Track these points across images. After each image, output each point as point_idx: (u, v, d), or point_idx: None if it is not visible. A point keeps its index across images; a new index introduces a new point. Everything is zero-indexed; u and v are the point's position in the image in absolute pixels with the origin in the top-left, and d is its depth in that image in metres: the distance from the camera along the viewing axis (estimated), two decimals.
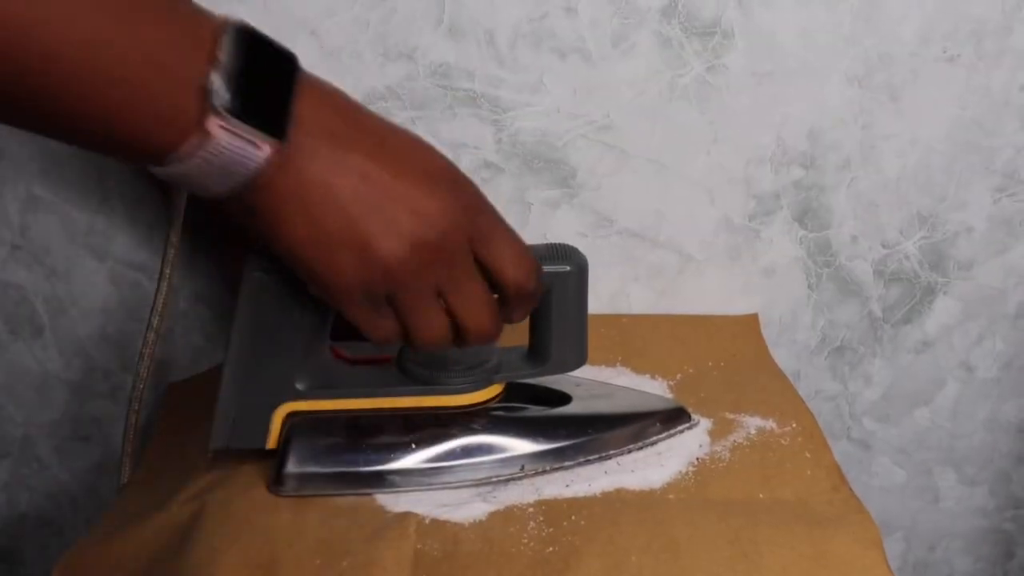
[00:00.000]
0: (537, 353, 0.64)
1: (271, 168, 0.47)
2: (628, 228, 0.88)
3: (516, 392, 0.65)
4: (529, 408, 0.65)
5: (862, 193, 0.87)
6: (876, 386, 0.96)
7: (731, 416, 0.72)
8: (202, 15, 0.46)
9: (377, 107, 0.83)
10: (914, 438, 0.99)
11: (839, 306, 0.92)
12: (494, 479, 0.62)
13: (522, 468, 0.63)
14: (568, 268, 0.60)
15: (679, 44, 0.82)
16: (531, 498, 0.61)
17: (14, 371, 0.95)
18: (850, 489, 0.63)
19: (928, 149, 0.86)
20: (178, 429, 0.76)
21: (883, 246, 0.90)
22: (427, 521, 0.59)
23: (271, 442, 0.61)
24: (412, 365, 0.63)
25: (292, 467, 0.60)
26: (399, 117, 0.84)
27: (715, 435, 0.69)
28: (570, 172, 0.86)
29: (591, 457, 0.65)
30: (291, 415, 0.61)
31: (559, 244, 0.62)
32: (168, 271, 0.70)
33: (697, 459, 0.66)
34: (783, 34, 0.82)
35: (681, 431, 0.69)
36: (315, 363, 0.61)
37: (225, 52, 0.45)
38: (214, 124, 0.44)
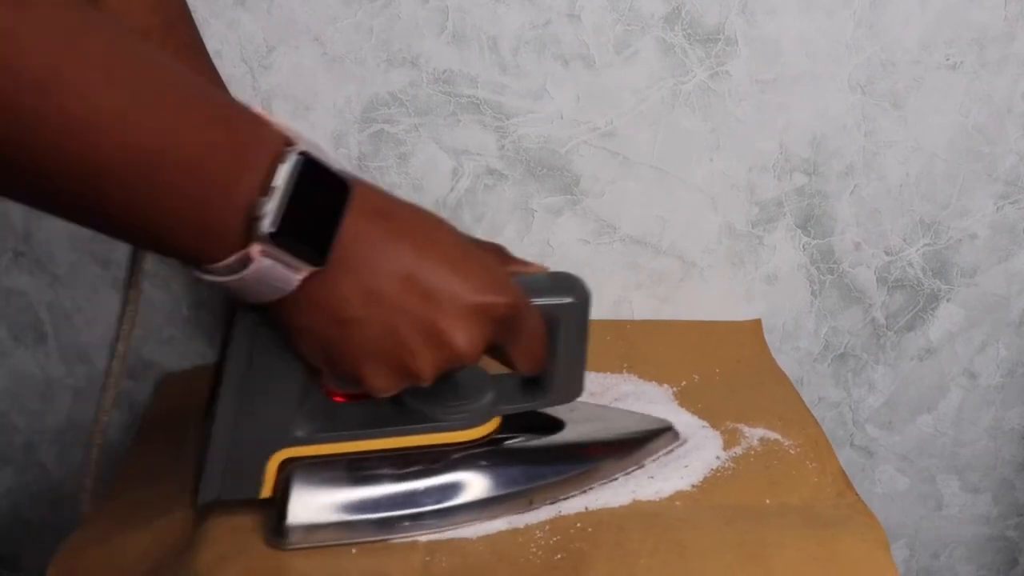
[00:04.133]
0: (537, 384, 0.62)
1: (303, 287, 0.47)
2: (631, 235, 0.88)
3: (511, 422, 0.63)
4: (528, 438, 0.63)
5: (865, 200, 0.87)
6: (879, 393, 0.96)
7: (737, 423, 0.72)
8: (264, 130, 0.45)
9: (381, 113, 0.83)
10: (917, 445, 0.99)
11: (842, 313, 0.92)
12: (504, 513, 0.61)
13: (531, 502, 0.61)
14: (571, 300, 0.59)
15: (682, 51, 0.82)
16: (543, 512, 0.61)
17: (17, 378, 0.95)
18: (856, 494, 0.63)
19: (931, 156, 0.86)
20: (174, 422, 0.76)
21: (886, 253, 0.90)
22: (436, 535, 0.59)
23: (266, 491, 0.57)
24: (410, 400, 0.60)
25: (295, 519, 0.56)
26: (403, 124, 0.84)
27: (722, 443, 0.69)
28: (573, 179, 0.86)
29: (594, 484, 0.64)
30: (287, 462, 0.57)
31: (563, 274, 0.61)
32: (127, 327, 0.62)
33: (706, 465, 0.66)
34: (786, 41, 0.82)
35: (672, 450, 0.68)
36: (311, 406, 0.57)
37: (280, 180, 0.44)
38: (257, 249, 0.44)
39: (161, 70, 0.42)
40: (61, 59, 0.37)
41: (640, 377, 0.79)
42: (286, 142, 0.45)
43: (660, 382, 0.78)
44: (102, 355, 0.93)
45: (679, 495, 0.63)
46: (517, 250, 0.88)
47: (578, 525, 0.59)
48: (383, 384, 0.52)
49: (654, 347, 0.84)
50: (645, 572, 0.55)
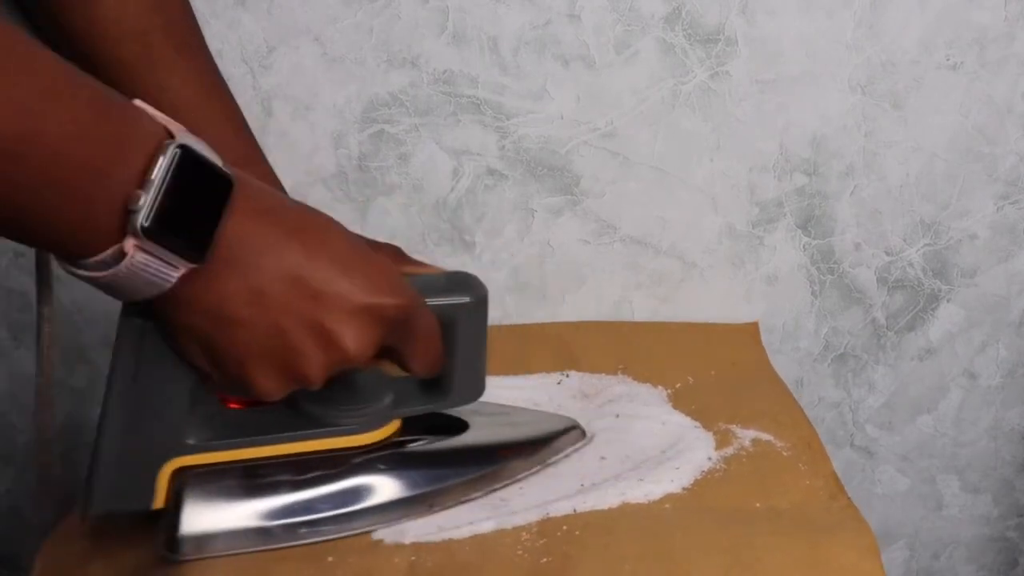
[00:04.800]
0: (436, 386, 0.60)
1: (184, 285, 0.45)
2: (631, 235, 0.89)
3: (412, 423, 0.62)
4: (430, 440, 0.62)
5: (865, 200, 0.87)
6: (879, 393, 0.96)
7: (730, 426, 0.71)
8: (144, 121, 0.44)
9: (381, 114, 0.83)
10: (917, 445, 0.99)
11: (842, 313, 0.92)
12: (403, 519, 0.59)
13: (431, 506, 0.60)
14: (467, 299, 0.58)
15: (682, 51, 0.82)
16: (524, 506, 0.61)
17: (17, 378, 0.95)
18: (848, 498, 0.63)
19: (931, 156, 0.86)
20: None
21: (886, 253, 0.90)
22: (422, 536, 0.58)
23: (159, 502, 0.54)
24: (306, 405, 0.58)
25: (187, 528, 0.54)
26: (403, 124, 0.84)
27: (714, 445, 0.69)
28: (573, 179, 0.86)
29: (498, 486, 0.63)
30: (180, 471, 0.54)
31: (460, 273, 0.60)
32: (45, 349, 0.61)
33: (697, 468, 0.66)
34: (786, 41, 0.82)
35: (578, 448, 0.68)
36: (203, 412, 0.55)
37: (157, 173, 0.42)
38: (131, 243, 0.42)
39: (31, 56, 0.41)
40: None
41: (634, 379, 0.79)
42: (167, 135, 0.44)
43: (654, 384, 0.78)
44: (102, 355, 0.93)
45: (669, 497, 0.63)
46: (517, 250, 0.88)
47: (565, 528, 0.59)
48: (270, 387, 0.50)
49: (649, 349, 0.84)
50: None
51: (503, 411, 0.69)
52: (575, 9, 0.80)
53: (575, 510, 0.61)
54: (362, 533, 0.58)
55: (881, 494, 1.01)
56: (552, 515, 0.60)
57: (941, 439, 0.98)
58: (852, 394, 0.96)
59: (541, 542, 0.58)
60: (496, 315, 0.91)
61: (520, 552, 0.57)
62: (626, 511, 0.61)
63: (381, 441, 0.60)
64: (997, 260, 0.90)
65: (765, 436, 0.70)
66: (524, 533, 0.58)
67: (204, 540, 0.55)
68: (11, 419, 0.97)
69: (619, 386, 0.77)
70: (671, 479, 0.64)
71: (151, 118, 0.44)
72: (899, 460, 0.99)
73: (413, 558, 0.56)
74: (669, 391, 0.77)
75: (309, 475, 0.57)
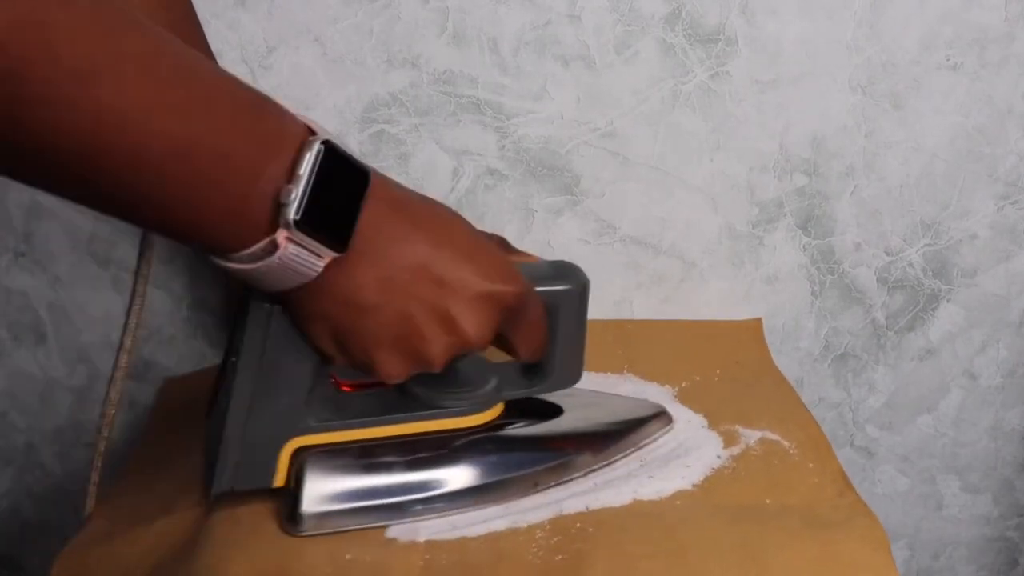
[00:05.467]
0: (537, 370, 0.63)
1: (325, 274, 0.48)
2: (631, 235, 0.89)
3: (512, 408, 0.65)
4: (530, 423, 0.65)
5: (865, 200, 0.87)
6: (879, 393, 0.96)
7: (736, 424, 0.72)
8: (288, 120, 0.47)
9: (381, 114, 0.83)
10: (917, 446, 0.99)
11: (842, 313, 0.92)
12: (511, 497, 0.62)
13: (536, 484, 0.62)
14: (570, 287, 0.61)
15: (682, 51, 0.82)
16: (537, 503, 0.61)
17: (17, 378, 0.95)
18: (856, 494, 0.63)
19: (931, 157, 0.86)
20: (176, 424, 0.76)
21: (886, 253, 0.90)
22: (436, 534, 0.59)
23: (279, 480, 0.58)
24: (416, 388, 0.61)
25: (309, 506, 0.57)
26: (403, 124, 0.84)
27: (722, 443, 0.69)
28: (573, 179, 0.86)
29: (596, 467, 0.65)
30: (299, 450, 0.58)
31: (562, 262, 0.62)
32: (134, 322, 0.63)
33: (706, 466, 0.66)
34: (786, 42, 0.82)
35: (666, 432, 0.70)
36: (321, 394, 0.59)
37: (305, 168, 0.45)
38: (283, 235, 0.45)
39: (192, 63, 0.44)
40: (99, 51, 0.39)
41: (641, 377, 0.79)
42: (309, 131, 0.47)
43: (660, 382, 0.78)
44: (102, 355, 0.93)
45: (680, 495, 0.63)
46: None
47: (578, 525, 0.59)
48: (395, 370, 0.53)
49: (654, 347, 0.84)
50: (645, 574, 0.55)
51: (594, 397, 0.71)
52: (575, 9, 0.81)
53: (587, 507, 0.61)
54: (377, 529, 0.59)
55: (881, 494, 1.01)
56: (565, 513, 0.61)
57: (941, 439, 0.98)
58: (852, 394, 0.96)
59: (555, 540, 0.58)
60: None
61: (534, 550, 0.57)
62: (638, 508, 0.61)
63: (488, 423, 0.62)
64: (997, 260, 0.90)
65: (772, 434, 0.70)
66: (538, 531, 0.59)
67: (324, 517, 0.57)
68: (12, 419, 0.97)
69: (625, 384, 0.77)
70: (681, 476, 0.65)
71: (293, 117, 0.47)
72: (899, 460, 0.99)
73: (427, 556, 0.56)
74: (676, 389, 0.77)
75: (420, 455, 0.60)
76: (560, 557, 0.56)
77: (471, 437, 0.62)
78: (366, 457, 0.59)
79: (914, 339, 0.94)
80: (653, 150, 0.85)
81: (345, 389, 0.62)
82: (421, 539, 0.58)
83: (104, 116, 0.40)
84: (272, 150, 0.45)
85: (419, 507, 0.59)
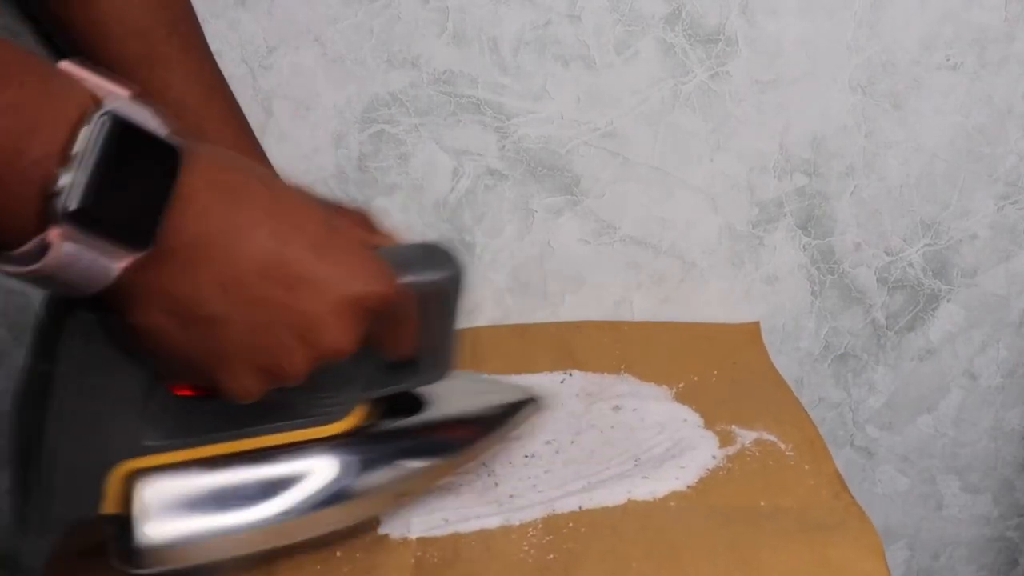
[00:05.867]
0: (405, 365, 0.56)
1: (137, 277, 0.40)
2: (631, 235, 0.88)
3: (375, 406, 0.57)
4: (397, 420, 0.58)
5: (865, 201, 0.87)
6: (879, 394, 0.96)
7: (733, 425, 0.72)
8: (68, 90, 0.38)
9: (381, 114, 0.83)
10: (917, 446, 0.99)
11: (842, 313, 0.92)
12: (376, 511, 0.57)
13: (402, 494, 0.58)
14: (445, 275, 0.54)
15: (682, 51, 0.82)
16: (531, 503, 0.61)
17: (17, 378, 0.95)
18: (851, 497, 0.63)
19: (931, 157, 0.86)
20: None
21: (886, 253, 0.90)
22: (429, 531, 0.59)
23: (109, 507, 0.48)
24: (272, 394, 0.50)
25: (144, 539, 0.47)
26: (403, 124, 0.84)
27: (718, 444, 0.69)
28: (573, 179, 0.86)
29: (468, 461, 0.61)
30: (134, 474, 0.48)
31: (434, 245, 0.55)
32: None
33: (701, 467, 0.66)
34: (786, 42, 0.82)
35: (535, 415, 0.66)
36: (158, 407, 0.48)
37: (82, 146, 0.37)
38: (55, 232, 0.36)
39: None
40: None
41: (638, 378, 0.79)
42: (93, 103, 0.38)
43: (658, 383, 0.78)
44: None
45: (674, 495, 0.63)
46: (517, 250, 0.88)
47: (571, 525, 0.59)
48: (247, 387, 0.46)
49: (652, 349, 0.84)
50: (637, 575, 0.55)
51: (459, 384, 0.62)
52: (575, 9, 0.80)
53: (581, 507, 0.61)
54: (368, 527, 0.57)
55: (881, 494, 1.01)
56: (558, 512, 0.61)
57: (941, 439, 0.98)
58: (852, 394, 0.96)
59: (547, 539, 0.58)
60: (496, 315, 0.91)
61: (526, 548, 0.57)
62: (631, 509, 0.61)
63: (353, 428, 0.55)
64: (997, 260, 0.90)
65: (768, 436, 0.70)
66: (530, 529, 0.59)
67: (163, 549, 0.48)
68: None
69: (622, 385, 0.78)
70: (676, 477, 0.65)
71: (78, 84, 0.38)
72: (899, 460, 0.99)
73: (419, 553, 0.56)
74: (672, 390, 0.77)
75: (277, 470, 0.52)
76: (552, 556, 0.57)
77: (334, 445, 0.54)
78: (210, 475, 0.50)
79: (914, 339, 0.93)
80: (653, 150, 0.85)
81: (184, 394, 0.50)
82: (413, 535, 0.58)
83: None
84: (43, 124, 0.36)
85: (276, 532, 0.52)
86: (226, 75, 0.66)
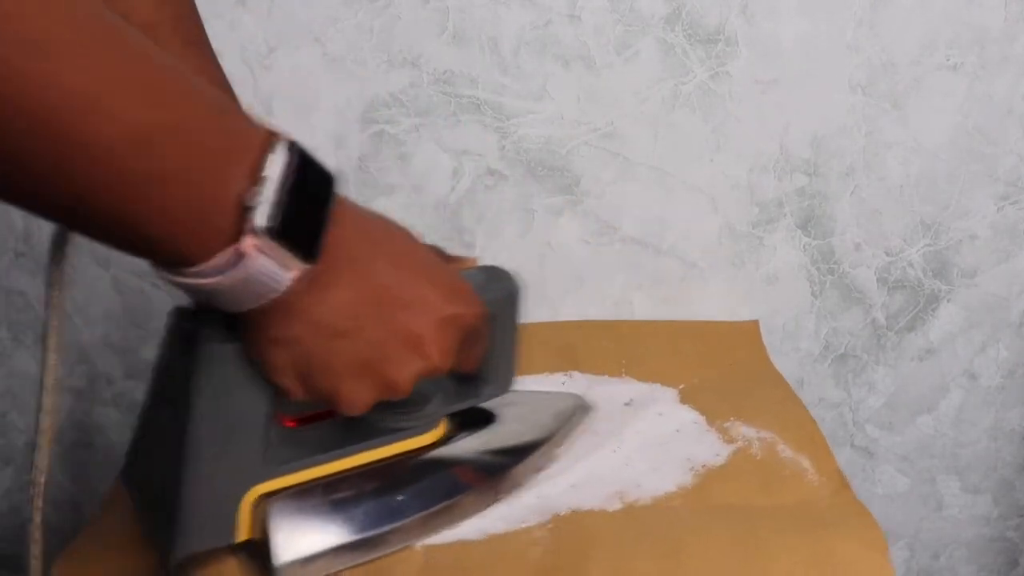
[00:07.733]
0: (476, 380, 0.61)
1: (290, 294, 0.44)
2: (631, 235, 0.89)
3: (452, 420, 0.63)
4: (471, 432, 0.63)
5: (865, 201, 0.87)
6: (879, 394, 0.96)
7: (734, 423, 0.72)
8: (251, 124, 0.43)
9: (381, 114, 0.83)
10: (917, 446, 0.99)
11: (842, 313, 0.92)
12: (487, 504, 0.61)
13: (497, 493, 0.61)
14: (507, 294, 0.60)
15: (682, 52, 0.82)
16: (535, 504, 0.61)
17: (17, 378, 0.95)
18: (852, 493, 0.63)
19: (931, 157, 0.86)
20: None
21: (886, 254, 0.90)
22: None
23: (242, 534, 0.52)
24: (365, 414, 0.54)
25: (283, 557, 0.52)
26: (403, 124, 0.84)
27: (719, 442, 0.70)
28: (573, 179, 0.86)
29: (546, 465, 0.65)
30: (261, 498, 0.53)
31: (494, 268, 0.61)
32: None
33: (703, 466, 0.66)
34: (786, 42, 0.82)
35: (584, 423, 0.69)
36: (274, 434, 0.53)
37: (274, 169, 0.42)
38: (250, 243, 0.41)
39: (155, 50, 0.40)
40: (54, 23, 0.35)
41: (638, 379, 0.79)
42: (271, 133, 0.43)
43: (659, 383, 0.78)
44: (102, 355, 0.93)
45: (676, 495, 0.63)
46: (518, 250, 0.89)
47: (575, 525, 0.59)
48: (360, 399, 0.50)
49: (651, 348, 0.84)
50: (641, 575, 0.55)
51: (513, 398, 0.68)
52: (575, 9, 0.81)
53: (584, 508, 0.61)
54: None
55: (881, 494, 1.01)
56: (562, 513, 0.61)
57: (941, 439, 0.98)
58: (852, 394, 0.96)
59: (552, 540, 0.58)
60: None
61: (532, 550, 0.57)
62: (635, 509, 0.62)
63: (439, 440, 0.61)
64: (997, 260, 0.90)
65: (769, 434, 0.70)
66: (536, 531, 0.59)
67: (301, 565, 0.53)
68: (11, 419, 0.97)
69: (623, 385, 0.77)
70: (678, 476, 0.65)
71: (254, 119, 0.44)
72: (899, 460, 1.00)
73: (426, 556, 0.56)
74: (673, 390, 0.77)
75: (388, 481, 0.57)
76: (557, 557, 0.56)
77: (429, 455, 0.60)
78: (332, 493, 0.55)
79: (914, 339, 0.94)
80: (653, 150, 0.85)
81: (289, 424, 0.57)
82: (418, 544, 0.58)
83: (54, 93, 0.35)
84: (238, 148, 0.41)
85: (394, 536, 0.56)
86: (226, 75, 0.66)
